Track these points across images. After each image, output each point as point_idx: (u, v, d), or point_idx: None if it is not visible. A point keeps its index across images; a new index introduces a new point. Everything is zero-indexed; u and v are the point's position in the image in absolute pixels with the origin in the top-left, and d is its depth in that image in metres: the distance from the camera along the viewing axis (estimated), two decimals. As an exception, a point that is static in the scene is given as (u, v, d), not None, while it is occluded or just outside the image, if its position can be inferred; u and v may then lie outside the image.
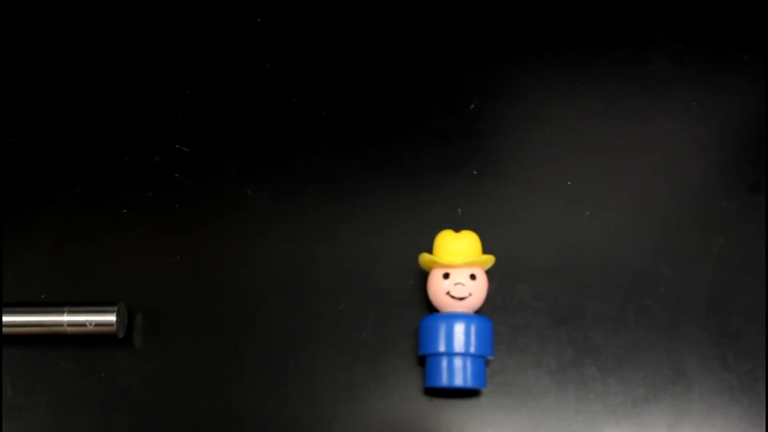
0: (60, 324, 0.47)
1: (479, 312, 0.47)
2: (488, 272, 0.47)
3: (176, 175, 0.53)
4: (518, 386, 0.48)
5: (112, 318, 0.47)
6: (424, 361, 0.47)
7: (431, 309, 0.47)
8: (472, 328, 0.45)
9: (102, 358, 0.49)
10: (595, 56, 0.55)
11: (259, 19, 0.57)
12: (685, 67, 0.55)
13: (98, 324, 0.47)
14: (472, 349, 0.45)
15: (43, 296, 0.49)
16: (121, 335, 0.48)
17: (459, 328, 0.45)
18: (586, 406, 0.47)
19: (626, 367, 0.48)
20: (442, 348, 0.45)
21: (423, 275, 0.48)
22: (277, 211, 0.52)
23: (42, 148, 0.54)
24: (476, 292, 0.46)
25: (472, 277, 0.46)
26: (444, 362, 0.45)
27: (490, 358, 0.46)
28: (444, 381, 0.45)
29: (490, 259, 0.47)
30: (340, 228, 0.51)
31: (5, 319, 0.47)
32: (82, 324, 0.47)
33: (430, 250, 0.47)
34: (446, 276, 0.46)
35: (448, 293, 0.46)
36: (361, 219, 0.51)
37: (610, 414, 0.47)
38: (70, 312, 0.47)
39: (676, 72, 0.55)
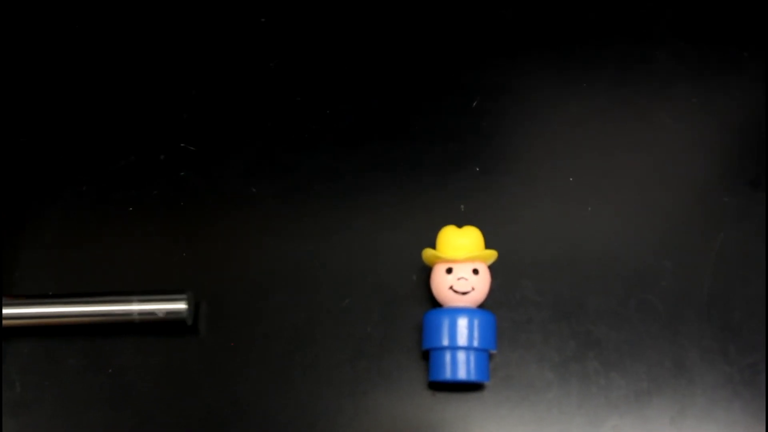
0: (129, 313, 0.47)
1: (482, 307, 0.47)
2: (491, 268, 0.48)
3: (182, 174, 0.53)
4: (521, 380, 0.48)
5: (182, 306, 0.47)
6: (427, 355, 0.47)
7: (434, 304, 0.48)
8: (476, 322, 0.45)
9: (109, 354, 0.49)
10: (597, 54, 0.56)
11: (263, 19, 0.58)
12: (686, 64, 0.55)
13: (169, 312, 0.47)
14: (476, 343, 0.45)
15: (50, 293, 0.50)
16: (190, 323, 0.48)
17: (462, 322, 0.45)
18: (588, 399, 0.47)
19: (629, 361, 0.48)
20: (445, 342, 0.45)
21: (426, 270, 0.49)
22: (281, 209, 0.52)
23: (49, 147, 0.54)
24: (479, 286, 0.46)
25: (475, 271, 0.46)
26: (447, 356, 0.45)
27: (494, 352, 0.47)
28: (448, 374, 0.45)
29: (492, 254, 0.47)
30: (344, 224, 0.52)
31: (72, 309, 0.48)
32: (152, 313, 0.47)
33: (433, 246, 0.47)
34: (449, 271, 0.46)
35: (451, 288, 0.46)
36: (364, 215, 0.52)
37: (613, 407, 0.47)
38: (140, 301, 0.47)
39: (677, 69, 0.55)
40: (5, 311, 0.48)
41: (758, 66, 0.55)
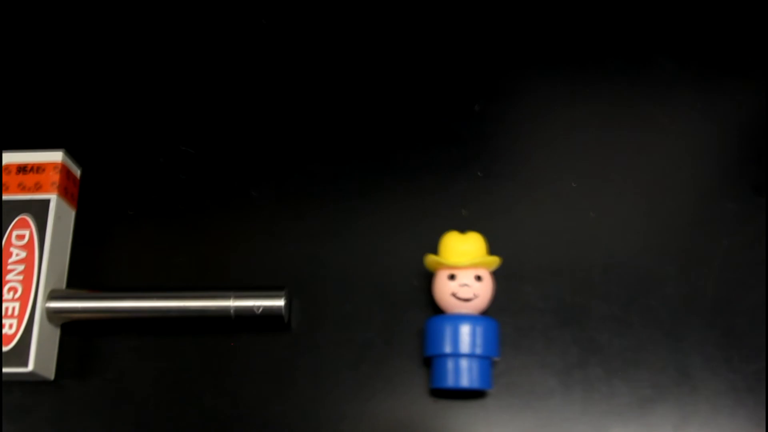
0: (226, 309, 0.47)
1: (485, 314, 0.47)
2: (494, 274, 0.47)
3: (181, 177, 0.53)
4: (524, 387, 0.48)
5: (280, 303, 0.47)
6: (429, 362, 0.47)
7: (436, 310, 0.47)
8: (478, 330, 0.45)
9: (108, 359, 0.49)
10: (599, 59, 0.55)
11: (264, 21, 0.57)
12: (688, 69, 0.55)
13: (267, 309, 0.47)
14: (478, 350, 0.45)
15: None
16: (286, 320, 0.48)
17: (465, 330, 0.45)
18: (591, 406, 0.47)
19: (631, 368, 0.48)
20: (448, 349, 0.45)
21: (428, 276, 0.48)
22: (281, 212, 0.52)
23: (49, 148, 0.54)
24: (482, 293, 0.46)
25: (478, 278, 0.46)
26: (450, 363, 0.45)
27: (496, 359, 0.46)
28: (450, 382, 0.45)
29: (495, 261, 0.47)
30: (345, 229, 0.51)
31: (167, 304, 0.47)
32: (250, 309, 0.47)
33: (435, 251, 0.47)
34: (452, 277, 0.46)
35: (453, 294, 0.46)
36: (366, 220, 0.51)
37: (616, 415, 0.47)
38: (237, 297, 0.47)
39: (679, 74, 0.55)
40: (98, 304, 0.47)
41: (760, 71, 0.55)
